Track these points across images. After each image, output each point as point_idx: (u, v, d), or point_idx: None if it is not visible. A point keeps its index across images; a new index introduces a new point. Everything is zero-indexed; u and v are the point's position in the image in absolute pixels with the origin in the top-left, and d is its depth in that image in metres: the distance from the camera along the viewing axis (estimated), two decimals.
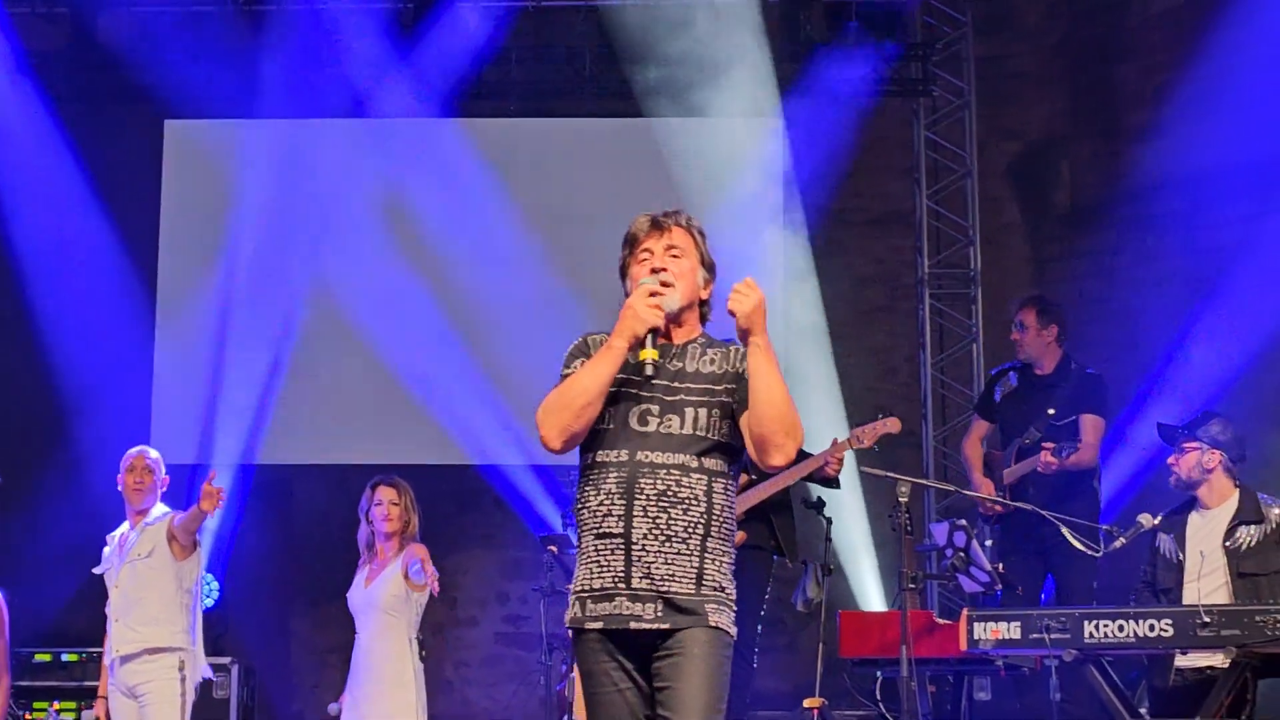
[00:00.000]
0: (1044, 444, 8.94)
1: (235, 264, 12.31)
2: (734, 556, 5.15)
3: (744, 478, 9.00)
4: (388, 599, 8.14)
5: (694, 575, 5.02)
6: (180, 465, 8.60)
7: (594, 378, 5.02)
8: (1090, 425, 9.10)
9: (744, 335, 4.99)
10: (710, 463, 5.09)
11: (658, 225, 5.33)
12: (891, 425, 8.84)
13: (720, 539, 5.09)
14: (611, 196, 12.25)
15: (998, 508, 9.02)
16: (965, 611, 7.19)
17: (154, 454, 8.47)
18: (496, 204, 12.20)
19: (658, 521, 5.02)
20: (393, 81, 12.33)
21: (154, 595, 8.17)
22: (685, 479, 5.05)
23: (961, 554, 7.68)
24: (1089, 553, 7.80)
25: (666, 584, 5.01)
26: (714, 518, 5.06)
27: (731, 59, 12.31)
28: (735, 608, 5.11)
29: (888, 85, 12.43)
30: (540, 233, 12.13)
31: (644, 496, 5.03)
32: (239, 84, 12.28)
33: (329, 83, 12.37)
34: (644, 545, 5.02)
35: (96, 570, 8.43)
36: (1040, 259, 13.03)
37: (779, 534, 9.02)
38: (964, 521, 8.04)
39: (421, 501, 13.14)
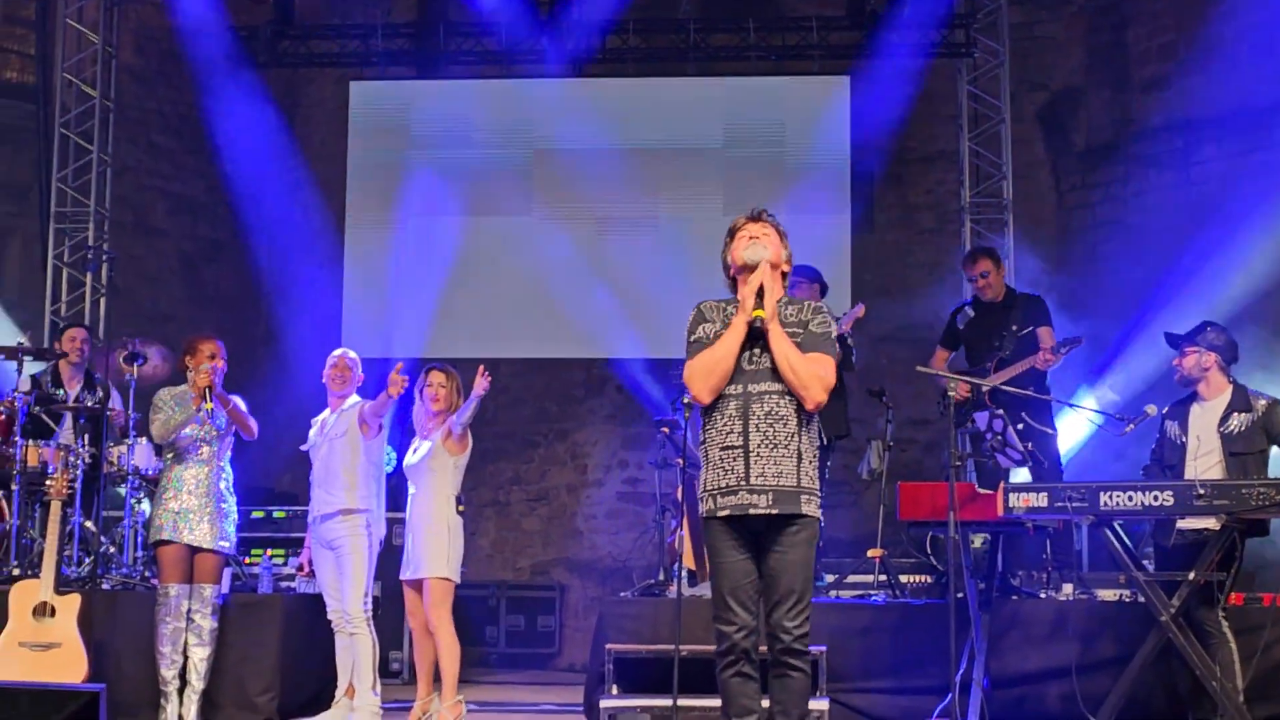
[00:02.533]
0: (1041, 346, 8.99)
1: (409, 197, 12.34)
2: (814, 463, 5.60)
3: None
4: (431, 463, 8.08)
5: (794, 473, 5.52)
6: (366, 359, 8.59)
7: (727, 349, 5.56)
8: (1047, 335, 9.20)
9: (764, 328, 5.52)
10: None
11: (755, 217, 5.77)
12: (859, 311, 9.13)
13: (809, 444, 5.59)
14: (709, 141, 12.23)
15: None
16: (1002, 484, 7.16)
17: (353, 355, 8.47)
18: (617, 148, 12.14)
19: (766, 435, 5.50)
20: (534, 48, 12.26)
21: (347, 467, 8.17)
22: (782, 400, 5.53)
23: (999, 437, 7.63)
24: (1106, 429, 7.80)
25: (775, 480, 5.51)
26: (803, 429, 5.56)
27: (807, 28, 12.21)
28: (820, 495, 5.64)
29: (937, 48, 12.27)
30: (652, 169, 12.04)
31: (756, 416, 5.52)
32: (410, 51, 12.25)
33: (483, 49, 12.25)
34: (758, 452, 5.50)
35: (303, 447, 8.44)
36: (1061, 189, 12.94)
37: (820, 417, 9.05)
38: (1001, 411, 8.02)
39: (559, 387, 13.30)
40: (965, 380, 8.23)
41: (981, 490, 7.48)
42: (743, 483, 5.53)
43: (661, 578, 9.18)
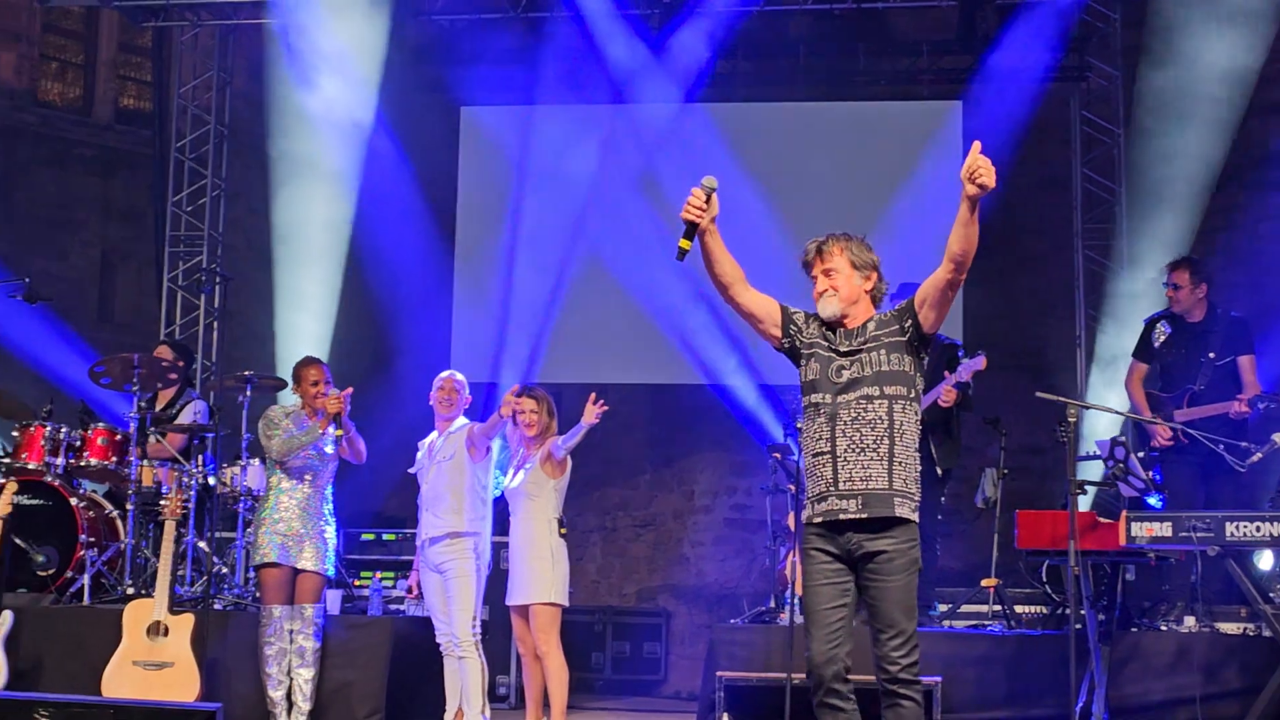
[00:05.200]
0: (1239, 397, 8.47)
1: (518, 222, 12.34)
2: (910, 463, 5.46)
3: None
4: (529, 487, 8.00)
5: (884, 475, 5.38)
6: (474, 384, 8.57)
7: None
8: (1248, 365, 8.68)
9: (974, 201, 5.49)
10: (891, 390, 5.45)
11: (819, 252, 5.70)
12: (980, 363, 8.75)
13: (904, 446, 5.45)
14: (822, 166, 12.16)
15: (1166, 437, 8.61)
16: (1124, 513, 7.00)
17: (460, 376, 8.43)
18: (726, 172, 11.99)
19: (853, 439, 5.42)
20: (643, 74, 12.20)
21: (455, 490, 8.13)
22: (869, 405, 5.43)
23: (1121, 465, 7.43)
24: (1237, 469, 7.54)
25: (863, 484, 5.40)
26: (896, 431, 5.43)
27: (918, 52, 12.06)
28: (917, 500, 5.47)
29: (1050, 71, 12.08)
30: (762, 195, 11.92)
31: (842, 422, 5.45)
32: (519, 78, 12.26)
33: (592, 76, 12.25)
34: (844, 457, 5.43)
35: (411, 470, 8.41)
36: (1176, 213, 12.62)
37: (935, 448, 8.96)
38: (1124, 438, 7.83)
39: (666, 413, 13.19)
40: (1146, 421, 8.04)
41: (1102, 519, 7.31)
42: (831, 488, 5.45)
43: (773, 605, 9.05)
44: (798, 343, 5.65)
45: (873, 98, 12.42)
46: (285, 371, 9.91)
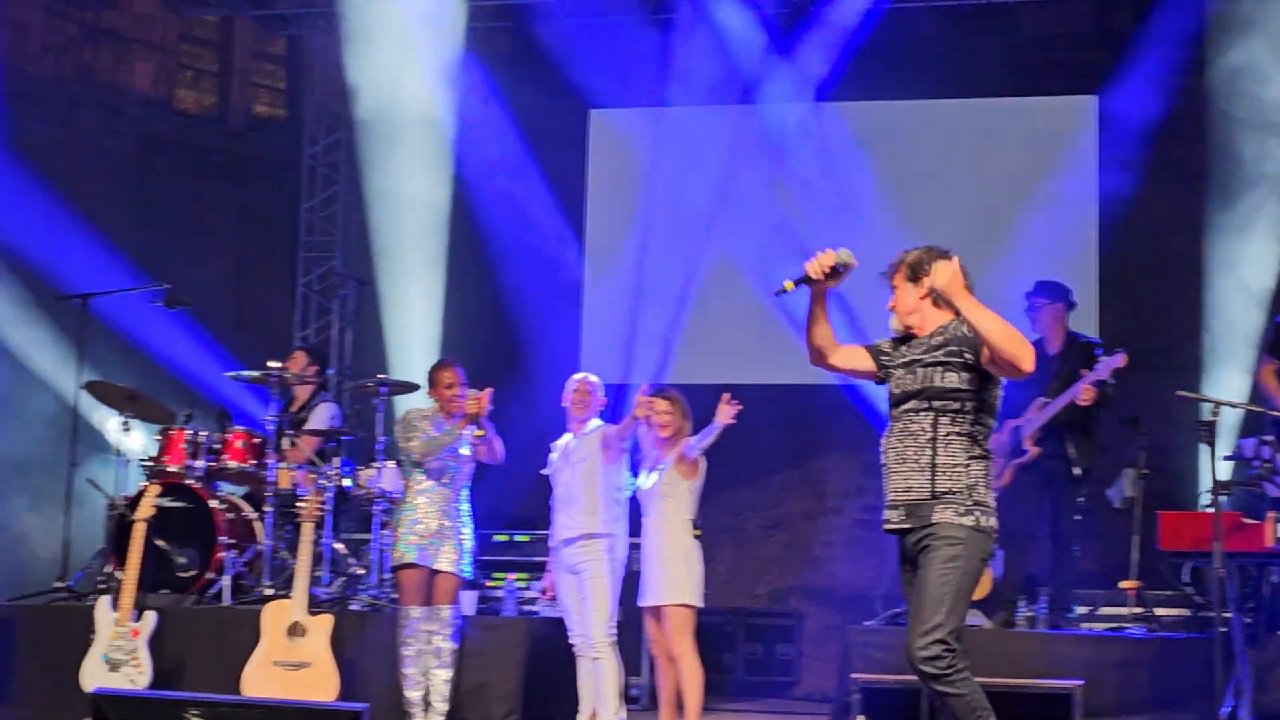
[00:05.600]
0: None
1: (648, 223, 12.32)
2: (959, 469, 5.53)
3: (1039, 401, 8.83)
4: (663, 488, 7.96)
5: (926, 485, 5.53)
6: (605, 385, 8.58)
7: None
8: None
9: (947, 298, 5.57)
10: (939, 403, 5.57)
11: (889, 275, 5.91)
12: (1120, 361, 8.72)
13: (949, 454, 5.55)
14: (954, 164, 12.04)
15: None
16: (1270, 514, 6.83)
17: (594, 379, 8.46)
18: (857, 171, 11.96)
19: (899, 451, 5.63)
20: (772, 73, 12.14)
21: (589, 491, 8.15)
22: (915, 416, 5.59)
23: (1267, 464, 7.27)
24: None
25: (905, 495, 5.60)
26: (939, 440, 5.55)
27: (1053, 48, 11.88)
28: (970, 504, 5.51)
29: (1187, 65, 11.80)
30: (893, 194, 11.82)
31: (894, 434, 5.67)
32: (648, 79, 12.26)
33: (721, 76, 12.20)
34: (892, 468, 5.65)
35: (544, 472, 8.44)
36: None
37: (1074, 448, 8.90)
38: (1270, 437, 7.65)
39: (797, 414, 13.11)
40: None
41: (1247, 520, 7.15)
42: (886, 499, 5.72)
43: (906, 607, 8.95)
44: (887, 368, 5.82)
45: (1004, 94, 12.24)
46: (406, 375, 10.03)
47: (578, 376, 8.45)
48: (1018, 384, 9.12)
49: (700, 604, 7.94)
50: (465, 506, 8.25)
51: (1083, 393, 8.68)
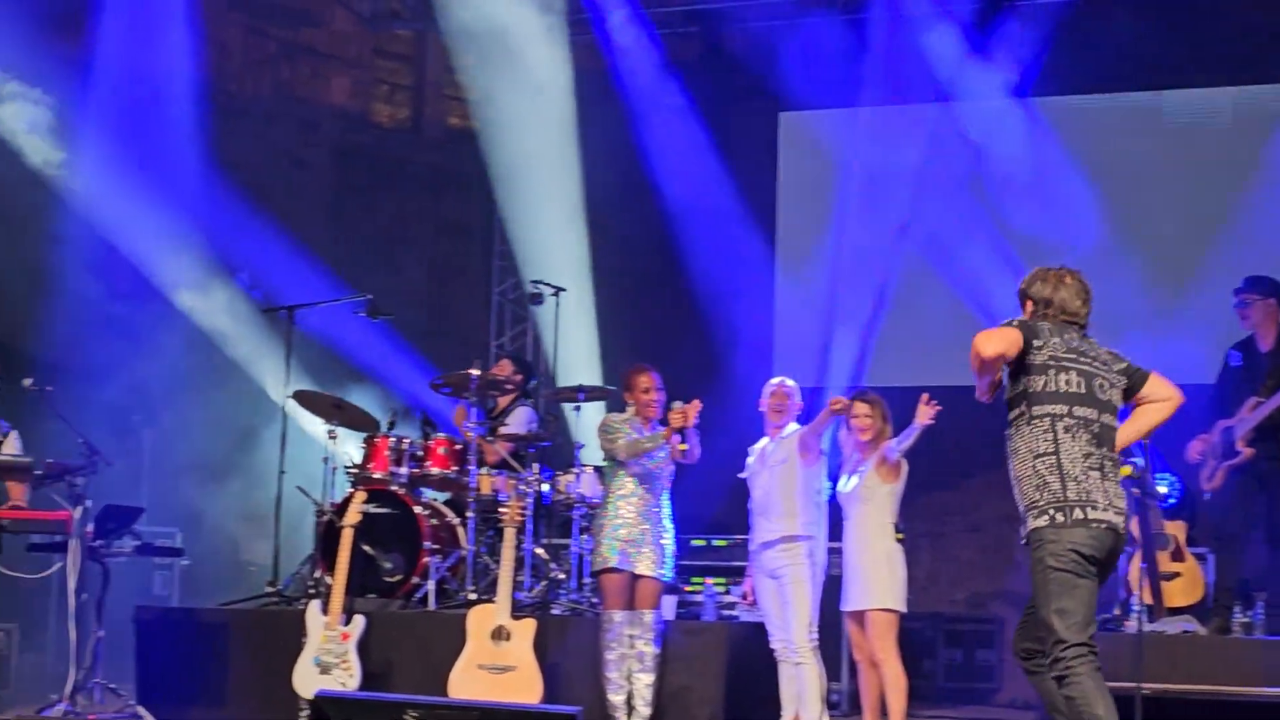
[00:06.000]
0: None
1: (840, 225, 12.21)
2: (1028, 476, 5.76)
3: (1251, 401, 8.57)
4: (864, 491, 7.87)
5: (1017, 501, 5.83)
6: (801, 389, 8.54)
7: None
8: None
9: None
10: (1008, 416, 5.89)
11: None
12: None
13: (1017, 464, 5.83)
14: (1157, 157, 11.75)
15: None
16: None
17: (790, 383, 8.42)
18: (1058, 168, 11.73)
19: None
20: (967, 70, 11.98)
21: (788, 494, 8.10)
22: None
23: None
24: None
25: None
26: (1011, 454, 5.86)
27: (1258, 39, 11.56)
28: (1045, 502, 5.69)
29: None
30: (1096, 190, 11.59)
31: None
32: (839, 80, 12.17)
33: (915, 75, 12.08)
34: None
35: (741, 475, 8.42)
36: None
37: None
38: None
39: (992, 416, 12.88)
40: None
41: None
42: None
43: (1117, 612, 8.76)
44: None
45: (1208, 84, 11.89)
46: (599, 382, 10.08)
47: (775, 380, 8.43)
48: (1231, 383, 8.94)
49: (904, 609, 7.86)
50: (666, 510, 8.27)
51: None
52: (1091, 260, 11.54)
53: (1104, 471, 5.74)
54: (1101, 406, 5.80)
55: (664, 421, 8.17)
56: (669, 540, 8.23)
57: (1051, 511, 5.62)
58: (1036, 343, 5.76)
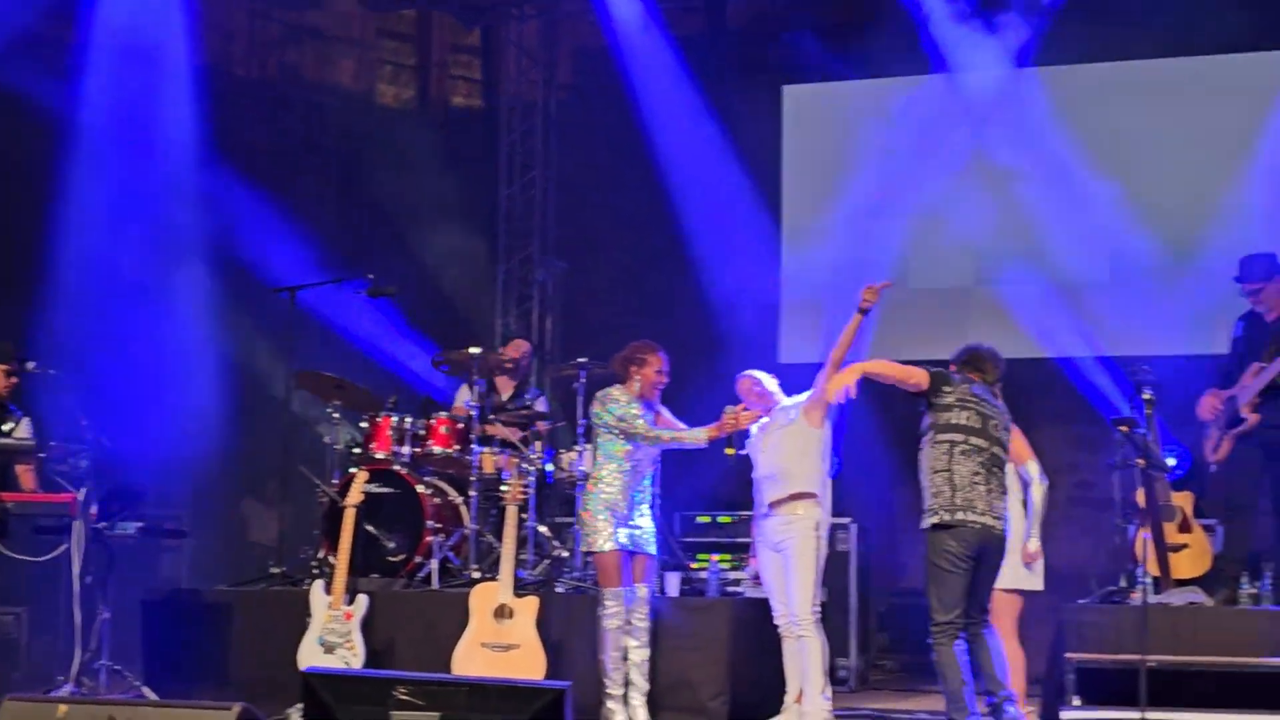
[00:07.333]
0: None
1: (846, 200, 12.12)
2: (927, 485, 7.07)
3: (1254, 367, 8.46)
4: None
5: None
6: (803, 365, 8.49)
7: None
8: None
9: None
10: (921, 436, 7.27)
11: None
12: None
13: (923, 474, 7.21)
14: (1165, 127, 11.67)
15: None
16: None
17: (756, 374, 8.38)
18: (1062, 139, 11.65)
19: None
20: (970, 41, 11.82)
21: (792, 461, 8.01)
22: None
23: None
24: None
25: None
26: (920, 463, 7.28)
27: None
28: (928, 512, 7.06)
29: None
30: (1100, 162, 11.51)
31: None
32: (842, 52, 12.11)
33: (917, 46, 11.97)
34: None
35: (742, 452, 8.34)
36: None
37: None
38: None
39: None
40: None
41: None
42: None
43: (1123, 584, 8.71)
44: None
45: (1218, 50, 11.75)
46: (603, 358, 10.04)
47: (742, 375, 8.40)
48: (1233, 354, 8.87)
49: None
50: (647, 484, 8.21)
51: None
52: (1094, 239, 11.55)
53: (989, 486, 7.03)
54: (992, 441, 7.11)
55: (662, 402, 8.15)
56: (650, 518, 8.18)
57: (942, 514, 6.98)
58: (946, 388, 7.16)
